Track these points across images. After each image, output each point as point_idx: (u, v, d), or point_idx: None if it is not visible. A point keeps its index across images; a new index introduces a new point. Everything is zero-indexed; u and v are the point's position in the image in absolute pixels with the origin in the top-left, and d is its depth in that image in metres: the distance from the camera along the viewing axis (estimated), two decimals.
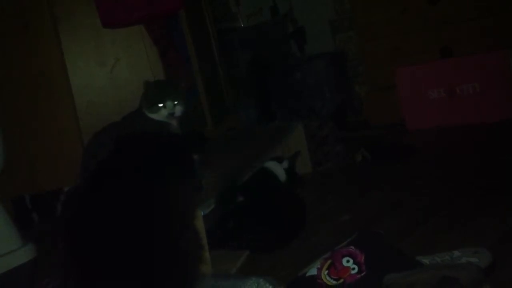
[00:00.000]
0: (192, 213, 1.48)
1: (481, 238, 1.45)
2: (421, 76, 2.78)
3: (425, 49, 2.81)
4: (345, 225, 1.79)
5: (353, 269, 1.25)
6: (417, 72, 2.80)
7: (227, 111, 3.00)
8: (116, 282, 1.24)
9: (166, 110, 1.73)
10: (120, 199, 1.35)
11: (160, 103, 1.73)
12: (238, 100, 3.15)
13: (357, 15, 3.03)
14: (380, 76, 2.94)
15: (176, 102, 1.74)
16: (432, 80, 2.75)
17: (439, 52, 2.78)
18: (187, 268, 1.34)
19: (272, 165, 2.05)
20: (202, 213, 1.54)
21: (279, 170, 2.04)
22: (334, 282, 1.24)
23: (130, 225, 1.29)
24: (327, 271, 1.27)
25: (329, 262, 1.28)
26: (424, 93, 2.76)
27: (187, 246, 1.36)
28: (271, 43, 3.31)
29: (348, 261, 1.26)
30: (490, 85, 2.62)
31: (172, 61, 2.61)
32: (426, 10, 2.80)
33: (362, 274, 1.24)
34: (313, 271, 1.28)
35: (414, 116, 2.79)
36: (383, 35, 2.91)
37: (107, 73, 2.52)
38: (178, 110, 1.75)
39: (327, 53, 3.18)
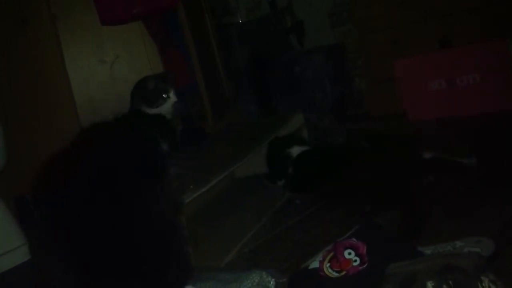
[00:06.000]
0: (172, 206, 1.44)
1: (483, 227, 1.45)
2: (420, 67, 2.77)
3: (424, 40, 2.80)
4: (347, 216, 1.79)
5: (355, 261, 1.25)
6: (417, 64, 2.79)
7: (228, 106, 3.00)
8: (112, 281, 1.23)
9: (170, 99, 1.79)
10: (99, 201, 1.27)
11: (164, 94, 1.80)
12: (238, 95, 3.15)
13: (356, 7, 3.03)
14: (380, 68, 2.93)
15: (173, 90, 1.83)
16: (432, 71, 2.74)
17: (439, 43, 2.77)
18: (178, 262, 1.32)
19: None
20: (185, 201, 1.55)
21: None
22: (336, 274, 1.25)
23: (114, 227, 1.26)
24: (329, 264, 1.27)
25: (331, 254, 1.28)
26: (424, 85, 2.75)
27: (172, 240, 1.33)
28: (270, 37, 3.30)
29: (350, 254, 1.26)
30: (490, 75, 2.61)
31: (171, 57, 2.61)
32: (425, 1, 2.79)
33: (364, 266, 1.24)
34: (315, 264, 1.29)
35: (415, 108, 2.78)
36: (383, 27, 2.90)
37: (107, 69, 2.52)
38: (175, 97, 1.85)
39: (326, 46, 3.18)
